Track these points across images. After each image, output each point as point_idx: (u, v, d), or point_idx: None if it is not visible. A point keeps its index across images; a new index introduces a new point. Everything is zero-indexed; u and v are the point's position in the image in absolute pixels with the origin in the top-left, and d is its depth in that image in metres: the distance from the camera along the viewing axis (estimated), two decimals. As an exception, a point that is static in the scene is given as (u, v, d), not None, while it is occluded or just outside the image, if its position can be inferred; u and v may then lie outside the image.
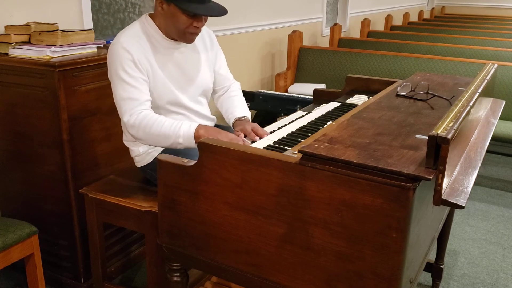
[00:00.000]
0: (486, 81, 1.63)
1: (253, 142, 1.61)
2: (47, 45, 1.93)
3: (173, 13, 1.64)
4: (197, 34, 1.72)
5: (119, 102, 1.65)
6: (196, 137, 1.59)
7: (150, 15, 1.74)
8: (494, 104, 1.89)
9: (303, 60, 4.22)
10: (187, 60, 1.80)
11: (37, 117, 1.94)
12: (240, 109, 1.91)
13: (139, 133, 1.63)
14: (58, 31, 1.95)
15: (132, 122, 1.63)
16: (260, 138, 1.64)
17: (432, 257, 2.27)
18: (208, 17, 1.71)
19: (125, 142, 1.84)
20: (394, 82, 2.05)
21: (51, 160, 1.96)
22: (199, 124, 1.63)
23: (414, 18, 8.15)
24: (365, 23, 5.70)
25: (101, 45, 2.15)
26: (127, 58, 1.63)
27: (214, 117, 1.96)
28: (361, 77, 2.21)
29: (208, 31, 1.93)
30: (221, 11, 1.67)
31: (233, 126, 1.85)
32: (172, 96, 1.75)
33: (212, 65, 1.92)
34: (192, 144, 1.60)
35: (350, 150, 1.13)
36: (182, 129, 1.61)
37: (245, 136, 1.69)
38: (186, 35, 1.70)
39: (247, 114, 1.90)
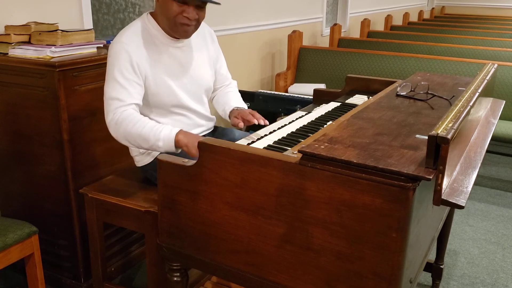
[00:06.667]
0: (486, 81, 1.63)
1: (252, 142, 1.61)
2: (47, 45, 1.93)
3: (165, 2, 1.63)
4: (188, 26, 1.67)
5: (107, 100, 1.64)
6: (176, 141, 1.58)
7: (151, 14, 1.74)
8: (494, 104, 1.89)
9: (303, 60, 4.22)
10: (188, 58, 1.80)
11: (37, 117, 1.94)
12: (236, 101, 1.93)
13: (120, 131, 1.61)
14: (58, 31, 1.95)
15: (115, 120, 1.61)
16: (258, 122, 1.67)
17: (432, 257, 2.27)
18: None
19: (124, 142, 1.84)
20: (394, 82, 2.05)
21: (51, 160, 1.96)
22: (180, 130, 1.61)
23: (414, 18, 8.15)
24: (365, 23, 5.70)
25: (101, 45, 2.15)
26: (125, 59, 1.62)
27: (214, 117, 1.96)
28: (361, 77, 2.21)
29: (210, 30, 1.93)
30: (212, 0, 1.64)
31: (229, 116, 1.86)
32: (173, 96, 1.75)
33: (214, 64, 1.92)
34: (172, 148, 1.59)
35: (350, 150, 1.13)
36: (162, 132, 1.59)
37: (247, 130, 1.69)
38: (177, 26, 1.66)
39: (244, 105, 1.91)
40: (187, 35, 1.71)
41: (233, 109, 1.87)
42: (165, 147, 1.59)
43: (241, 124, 1.68)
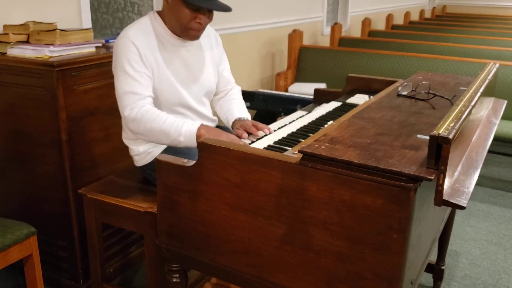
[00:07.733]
0: (487, 80, 1.62)
1: (252, 142, 1.60)
2: (45, 44, 1.92)
3: (177, 7, 1.63)
4: (199, 31, 1.69)
5: (121, 96, 1.64)
6: (198, 136, 1.58)
7: (158, 12, 1.74)
8: (495, 104, 1.88)
9: (303, 59, 4.21)
10: (193, 59, 1.79)
11: (36, 117, 1.93)
12: (240, 111, 1.90)
13: (140, 128, 1.62)
14: (56, 30, 1.94)
15: (133, 116, 1.61)
16: (262, 132, 1.64)
17: (433, 258, 2.26)
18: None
19: (124, 140, 1.83)
20: (395, 81, 2.04)
21: (49, 160, 1.95)
22: (201, 124, 1.62)
23: (415, 17, 8.14)
24: (366, 22, 5.69)
25: (100, 45, 2.14)
26: (134, 52, 1.62)
27: (215, 118, 1.95)
28: (362, 77, 2.20)
29: (215, 33, 1.92)
30: (225, 8, 1.65)
31: (232, 126, 1.84)
32: (176, 95, 1.74)
33: (217, 66, 1.91)
34: (193, 143, 1.59)
35: (350, 150, 1.12)
36: (184, 127, 1.60)
37: (249, 135, 1.67)
38: (189, 31, 1.68)
39: (247, 115, 1.89)
40: (196, 38, 1.73)
41: (236, 120, 1.84)
42: (186, 142, 1.60)
43: (245, 135, 1.66)
